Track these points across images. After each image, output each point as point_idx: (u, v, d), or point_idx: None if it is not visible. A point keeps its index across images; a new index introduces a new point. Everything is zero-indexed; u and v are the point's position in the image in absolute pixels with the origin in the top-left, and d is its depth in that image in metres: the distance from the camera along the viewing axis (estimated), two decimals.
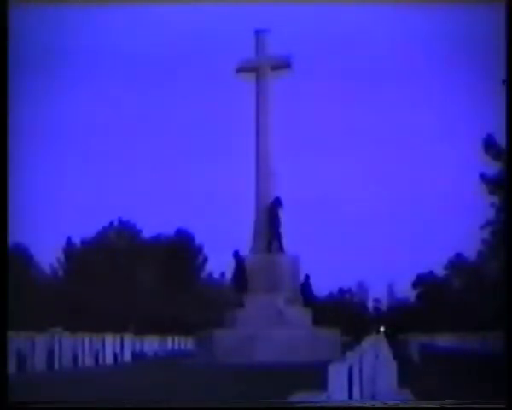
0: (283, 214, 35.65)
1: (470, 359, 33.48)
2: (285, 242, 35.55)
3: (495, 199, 38.86)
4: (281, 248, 35.21)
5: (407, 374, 12.35)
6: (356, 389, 8.99)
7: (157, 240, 76.86)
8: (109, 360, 33.59)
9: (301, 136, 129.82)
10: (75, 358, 30.81)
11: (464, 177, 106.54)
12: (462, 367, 26.53)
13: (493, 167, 38.22)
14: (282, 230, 35.51)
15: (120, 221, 75.16)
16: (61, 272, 74.36)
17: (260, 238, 35.31)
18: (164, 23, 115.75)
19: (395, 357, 12.47)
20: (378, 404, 8.68)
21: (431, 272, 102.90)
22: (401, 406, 6.97)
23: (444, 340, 66.61)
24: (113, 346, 34.56)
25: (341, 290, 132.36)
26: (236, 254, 35.44)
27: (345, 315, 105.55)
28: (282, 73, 36.69)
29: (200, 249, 79.66)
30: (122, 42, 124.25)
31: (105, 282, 66.41)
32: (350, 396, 8.65)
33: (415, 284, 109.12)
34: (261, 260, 34.58)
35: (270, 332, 31.39)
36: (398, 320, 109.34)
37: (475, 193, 41.30)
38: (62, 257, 74.08)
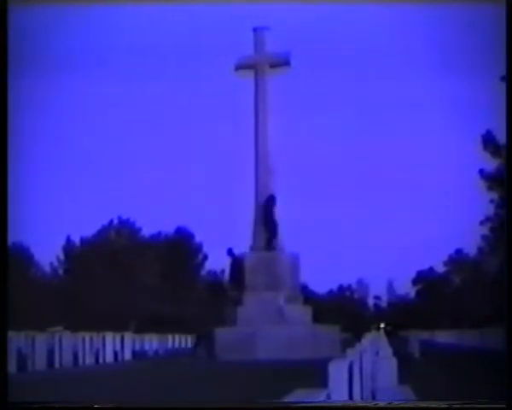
0: (278, 212, 35.58)
1: (470, 355, 33.50)
2: (281, 239, 35.50)
3: (494, 195, 38.91)
4: (275, 247, 35.12)
5: (407, 371, 12.37)
6: (356, 386, 9.01)
7: (157, 238, 76.91)
8: (110, 358, 33.58)
9: (300, 133, 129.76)
10: (75, 357, 30.81)
11: (464, 173, 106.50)
12: (462, 364, 26.54)
13: (492, 164, 38.29)
14: (279, 227, 35.43)
15: (120, 220, 75.20)
16: (61, 271, 74.42)
17: (260, 236, 35.32)
18: (163, 22, 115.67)
19: (395, 354, 12.48)
20: (375, 404, 8.70)
21: (431, 269, 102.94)
22: (398, 405, 6.99)
23: (444, 336, 66.66)
24: (114, 345, 34.55)
25: (341, 288, 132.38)
26: (230, 252, 35.51)
27: (345, 312, 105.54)
28: (281, 71, 36.69)
29: (199, 247, 79.70)
30: (121, 41, 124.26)
31: (105, 280, 66.43)
32: (350, 393, 8.67)
33: (415, 281, 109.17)
34: (261, 258, 34.59)
35: (271, 330, 31.41)
36: (398, 317, 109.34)
37: (475, 189, 41.35)
38: (62, 256, 74.12)
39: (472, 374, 20.30)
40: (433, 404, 6.91)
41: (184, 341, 54.62)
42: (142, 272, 69.59)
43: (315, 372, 10.53)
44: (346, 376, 8.55)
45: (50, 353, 28.98)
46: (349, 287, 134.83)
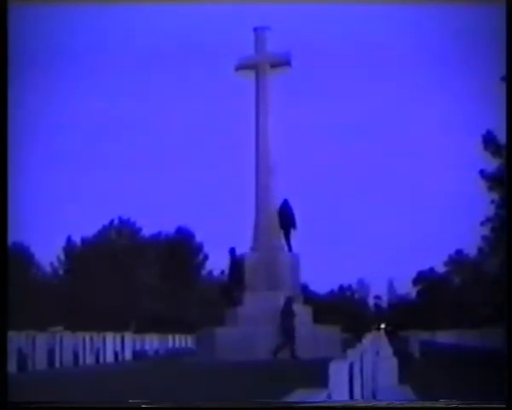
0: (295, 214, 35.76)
1: (470, 355, 33.50)
2: (282, 239, 35.61)
3: (495, 196, 38.88)
4: (291, 248, 35.45)
5: (407, 371, 12.36)
6: (357, 387, 9.01)
7: (157, 238, 76.92)
8: (110, 358, 33.60)
9: (301, 134, 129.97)
10: (76, 357, 30.83)
11: (464, 173, 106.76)
12: (462, 364, 26.55)
13: (493, 164, 38.27)
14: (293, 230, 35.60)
15: (120, 220, 75.22)
16: (61, 271, 74.44)
17: (261, 236, 35.31)
18: (163, 21, 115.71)
19: (395, 354, 12.48)
20: (376, 404, 8.69)
21: (431, 269, 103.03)
22: (399, 405, 6.99)
23: (444, 336, 66.66)
24: (114, 344, 34.58)
25: (342, 288, 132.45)
26: (232, 252, 35.54)
27: (345, 312, 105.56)
28: (282, 71, 36.68)
29: (200, 247, 79.70)
30: (121, 41, 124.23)
31: (105, 280, 66.45)
32: (351, 393, 8.67)
33: (415, 281, 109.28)
34: (261, 257, 34.58)
35: (271, 330, 31.39)
36: (399, 317, 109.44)
37: (475, 189, 41.34)
38: (63, 256, 74.14)
39: (472, 374, 20.29)
40: (434, 404, 6.90)
41: (184, 341, 54.63)
42: (143, 272, 69.58)
43: (315, 372, 10.53)
44: (346, 376, 8.55)
45: (51, 353, 29.00)
46: (349, 287, 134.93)
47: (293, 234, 35.60)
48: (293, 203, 36.14)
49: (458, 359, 31.12)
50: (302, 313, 34.38)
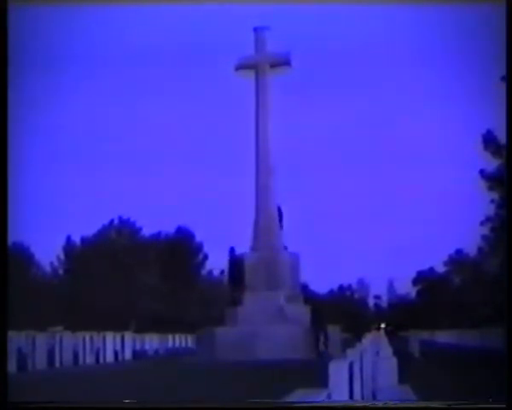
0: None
1: (470, 355, 33.49)
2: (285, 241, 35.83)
3: (495, 195, 38.88)
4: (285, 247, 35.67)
5: (407, 371, 12.36)
6: (356, 386, 9.01)
7: (157, 238, 76.88)
8: (110, 358, 33.60)
9: (301, 133, 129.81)
10: (76, 356, 30.84)
11: (464, 173, 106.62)
12: (462, 364, 26.54)
13: (493, 164, 38.27)
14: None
15: (120, 220, 75.18)
16: (61, 271, 74.38)
17: (261, 236, 35.31)
18: (163, 21, 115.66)
19: (395, 354, 12.48)
20: (376, 404, 8.69)
21: (431, 269, 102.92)
22: (398, 405, 6.99)
23: (444, 336, 66.65)
24: (114, 344, 34.57)
25: (341, 287, 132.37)
26: (232, 252, 35.59)
27: (345, 312, 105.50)
28: (282, 71, 36.70)
29: (200, 247, 79.67)
30: (121, 41, 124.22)
31: (105, 280, 66.41)
32: (351, 393, 8.67)
33: (415, 281, 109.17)
34: (261, 257, 34.60)
35: (271, 329, 31.41)
36: (399, 317, 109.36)
37: (475, 189, 41.33)
38: (63, 256, 74.09)
39: (472, 374, 20.29)
40: (433, 404, 6.90)
41: (184, 341, 54.60)
42: (143, 272, 69.54)
43: (315, 372, 10.53)
44: (346, 376, 8.56)
45: (51, 352, 29.01)
46: (349, 287, 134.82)
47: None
48: (293, 203, 36.31)
49: (458, 359, 31.10)
50: (302, 312, 34.41)
